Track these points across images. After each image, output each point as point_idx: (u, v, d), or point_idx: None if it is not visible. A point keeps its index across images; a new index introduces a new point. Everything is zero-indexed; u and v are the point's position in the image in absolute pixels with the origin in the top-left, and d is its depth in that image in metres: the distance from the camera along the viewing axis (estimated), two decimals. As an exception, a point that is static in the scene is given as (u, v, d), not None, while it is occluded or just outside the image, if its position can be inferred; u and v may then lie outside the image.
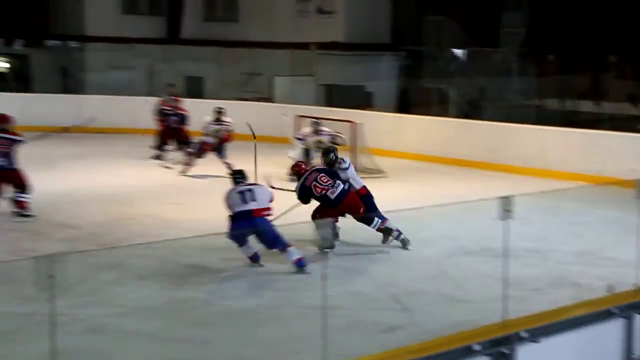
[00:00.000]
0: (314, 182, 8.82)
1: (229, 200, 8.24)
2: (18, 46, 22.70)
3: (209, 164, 13.80)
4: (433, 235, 9.50)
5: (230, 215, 8.15)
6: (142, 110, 17.82)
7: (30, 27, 22.50)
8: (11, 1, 21.64)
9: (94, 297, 7.03)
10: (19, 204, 9.90)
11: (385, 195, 11.97)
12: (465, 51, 20.64)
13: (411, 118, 16.49)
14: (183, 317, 6.78)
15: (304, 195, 8.88)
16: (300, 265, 7.90)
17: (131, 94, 19.29)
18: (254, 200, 8.12)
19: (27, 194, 9.96)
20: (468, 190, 12.40)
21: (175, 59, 22.41)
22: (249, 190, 8.25)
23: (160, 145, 14.55)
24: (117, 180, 12.73)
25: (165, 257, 8.23)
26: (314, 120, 13.54)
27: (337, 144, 12.79)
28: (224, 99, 17.10)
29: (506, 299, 6.45)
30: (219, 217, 9.98)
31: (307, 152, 13.24)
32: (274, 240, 8.00)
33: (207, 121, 13.56)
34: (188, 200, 11.33)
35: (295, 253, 7.94)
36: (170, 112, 14.52)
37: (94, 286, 7.23)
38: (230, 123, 13.60)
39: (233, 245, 8.08)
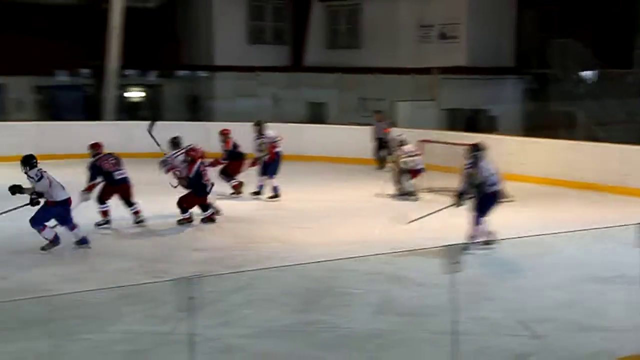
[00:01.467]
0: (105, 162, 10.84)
1: (51, 185, 9.52)
2: (152, 77, 23.74)
3: (331, 190, 13.97)
4: (562, 262, 9.24)
5: (54, 201, 9.50)
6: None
7: (164, 58, 23.54)
8: (146, 35, 22.70)
9: (224, 318, 7.20)
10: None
11: (512, 220, 11.76)
12: (595, 73, 20.01)
13: (537, 141, 16.11)
14: (310, 340, 6.83)
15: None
16: (84, 242, 9.69)
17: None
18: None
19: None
20: (598, 215, 11.97)
21: (298, 86, 22.88)
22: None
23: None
24: (238, 204, 12.98)
25: (292, 280, 8.35)
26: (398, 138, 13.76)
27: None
28: (345, 124, 17.25)
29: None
30: (344, 242, 10.14)
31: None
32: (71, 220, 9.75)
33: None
34: (312, 224, 11.45)
35: (81, 232, 9.77)
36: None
37: (224, 308, 7.40)
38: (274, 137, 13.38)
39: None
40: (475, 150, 9.73)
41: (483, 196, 9.56)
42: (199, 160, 11.22)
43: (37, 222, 9.56)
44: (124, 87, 22.44)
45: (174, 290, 5.14)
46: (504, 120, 19.89)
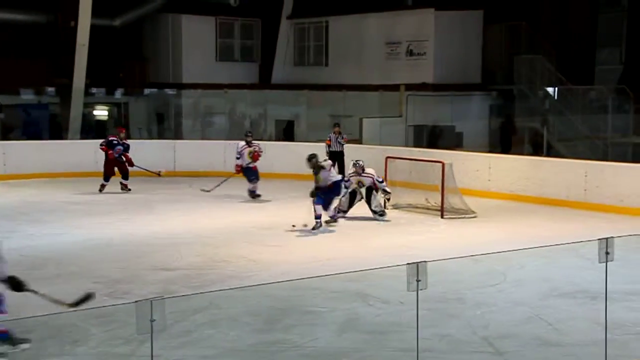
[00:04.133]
0: None
1: None
2: (118, 95, 23.60)
3: (299, 207, 13.94)
4: (526, 277, 9.31)
5: None
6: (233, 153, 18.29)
7: (130, 77, 23.44)
8: (112, 53, 22.60)
9: (186, 339, 7.14)
10: None
11: (476, 236, 11.85)
12: (558, 89, 20.31)
13: (502, 157, 16.25)
14: (274, 359, 6.80)
15: None
16: None
17: (224, 138, 19.72)
18: None
19: None
20: (562, 230, 12.09)
21: (266, 103, 22.93)
22: None
23: None
24: (210, 223, 12.96)
25: (255, 300, 8.30)
26: (356, 162, 13.39)
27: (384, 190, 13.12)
28: (313, 141, 17.27)
29: (605, 343, 6.23)
30: (311, 260, 10.13)
31: (352, 193, 13.29)
32: None
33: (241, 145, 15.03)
34: (280, 242, 11.43)
35: None
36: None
37: (187, 328, 7.35)
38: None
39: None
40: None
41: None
42: None
43: None
44: (89, 105, 22.29)
45: (136, 312, 5.06)
46: (469, 136, 20.07)
